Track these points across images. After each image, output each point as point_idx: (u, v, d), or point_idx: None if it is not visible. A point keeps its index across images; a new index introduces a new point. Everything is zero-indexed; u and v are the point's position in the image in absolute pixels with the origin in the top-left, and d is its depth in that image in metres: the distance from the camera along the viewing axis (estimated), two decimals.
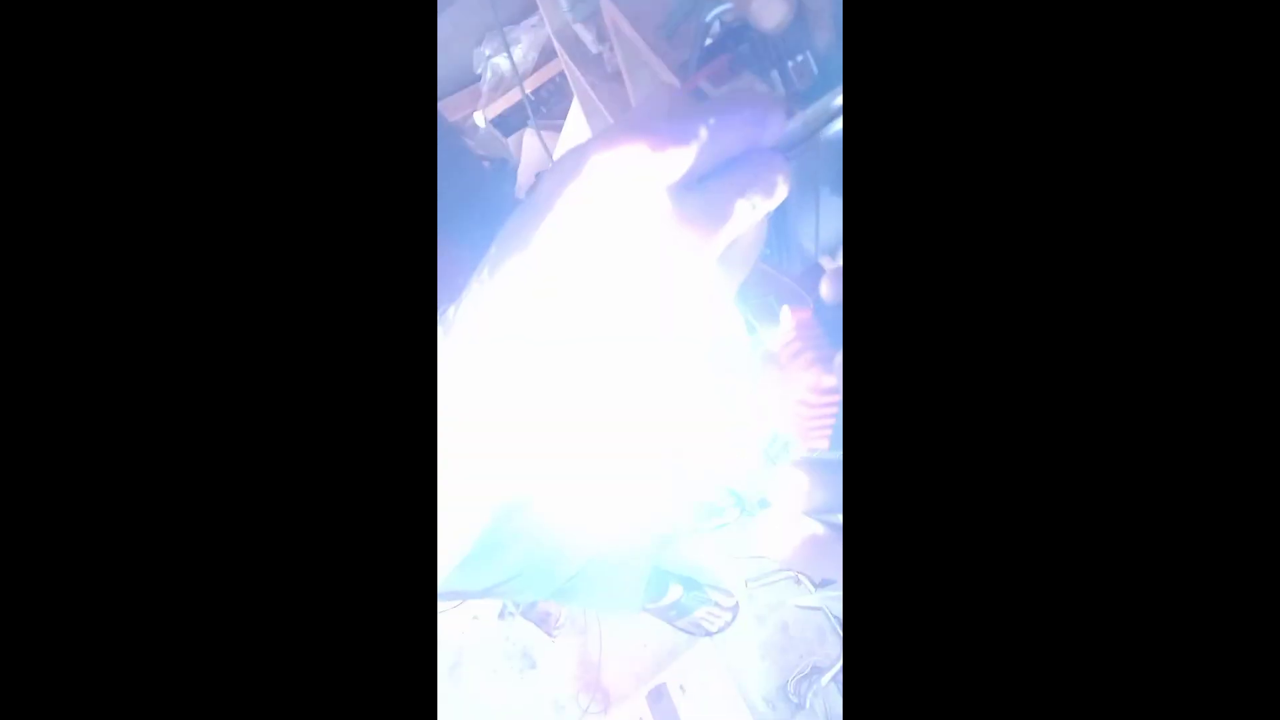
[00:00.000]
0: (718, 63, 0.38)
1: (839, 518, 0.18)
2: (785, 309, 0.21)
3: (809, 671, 1.08)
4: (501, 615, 1.30)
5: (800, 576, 1.15)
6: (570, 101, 1.25)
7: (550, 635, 1.25)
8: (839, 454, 0.18)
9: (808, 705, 1.05)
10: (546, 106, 1.54)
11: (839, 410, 0.19)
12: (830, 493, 0.18)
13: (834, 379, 0.18)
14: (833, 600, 1.09)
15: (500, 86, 1.62)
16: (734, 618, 1.20)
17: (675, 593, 1.18)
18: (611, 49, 0.83)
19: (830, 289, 0.20)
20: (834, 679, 1.05)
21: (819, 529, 0.17)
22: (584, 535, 0.61)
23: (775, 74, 0.35)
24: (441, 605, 1.25)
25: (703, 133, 0.18)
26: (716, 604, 1.20)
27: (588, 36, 0.86)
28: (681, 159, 0.18)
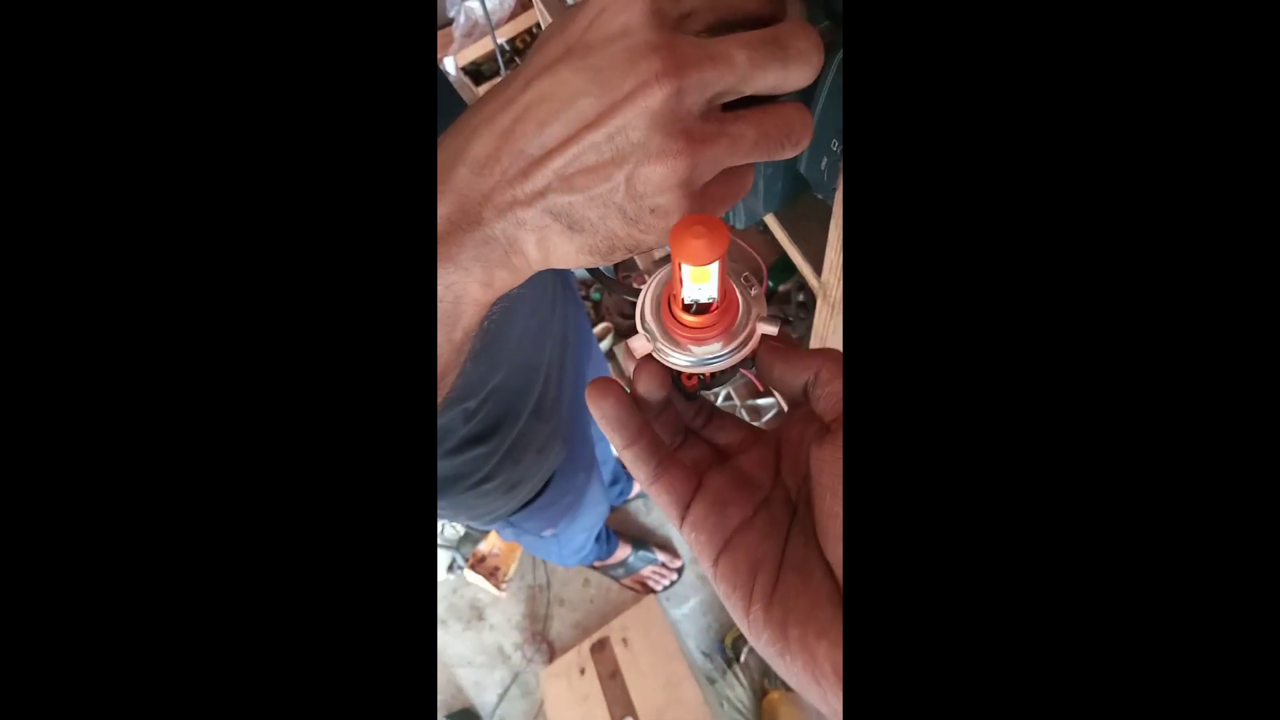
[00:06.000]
0: None
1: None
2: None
3: None
4: (451, 569, 1.31)
5: None
6: None
7: (498, 589, 1.27)
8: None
9: (743, 659, 1.11)
10: (520, 58, 1.50)
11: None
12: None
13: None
14: None
15: (474, 33, 1.56)
16: (679, 577, 1.24)
17: (624, 552, 1.22)
18: None
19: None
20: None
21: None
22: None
23: None
24: None
25: None
26: (663, 564, 1.24)
27: None
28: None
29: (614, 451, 1.23)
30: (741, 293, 0.22)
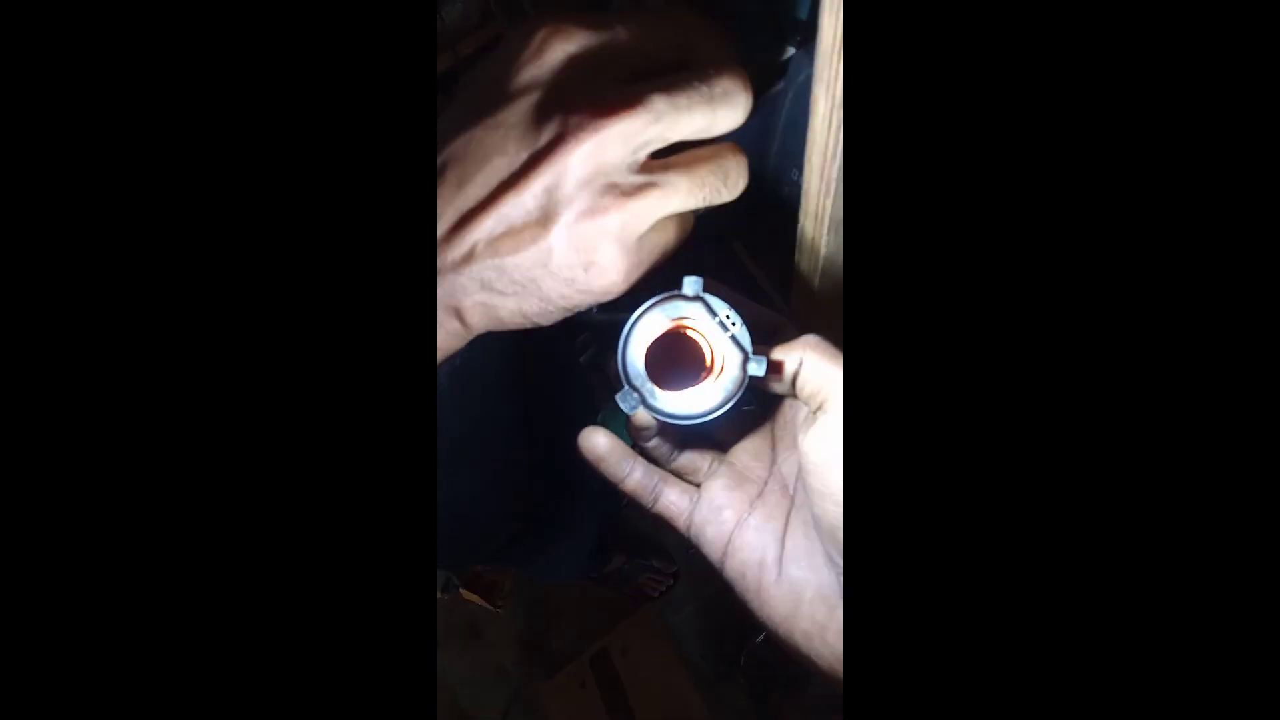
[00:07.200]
0: None
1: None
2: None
3: (745, 631, 1.14)
4: (445, 589, 1.30)
5: None
6: None
7: (495, 606, 1.26)
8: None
9: (742, 662, 1.11)
10: None
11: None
12: None
13: None
14: None
15: (442, 44, 1.54)
16: (675, 583, 1.24)
17: (618, 561, 1.21)
18: None
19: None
20: (766, 637, 1.11)
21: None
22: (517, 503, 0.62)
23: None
24: None
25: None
26: (659, 570, 1.24)
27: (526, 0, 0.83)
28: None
29: None
30: (726, 343, 0.22)
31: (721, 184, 0.22)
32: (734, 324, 0.22)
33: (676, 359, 0.23)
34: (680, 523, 0.27)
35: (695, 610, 1.22)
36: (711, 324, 0.22)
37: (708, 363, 0.23)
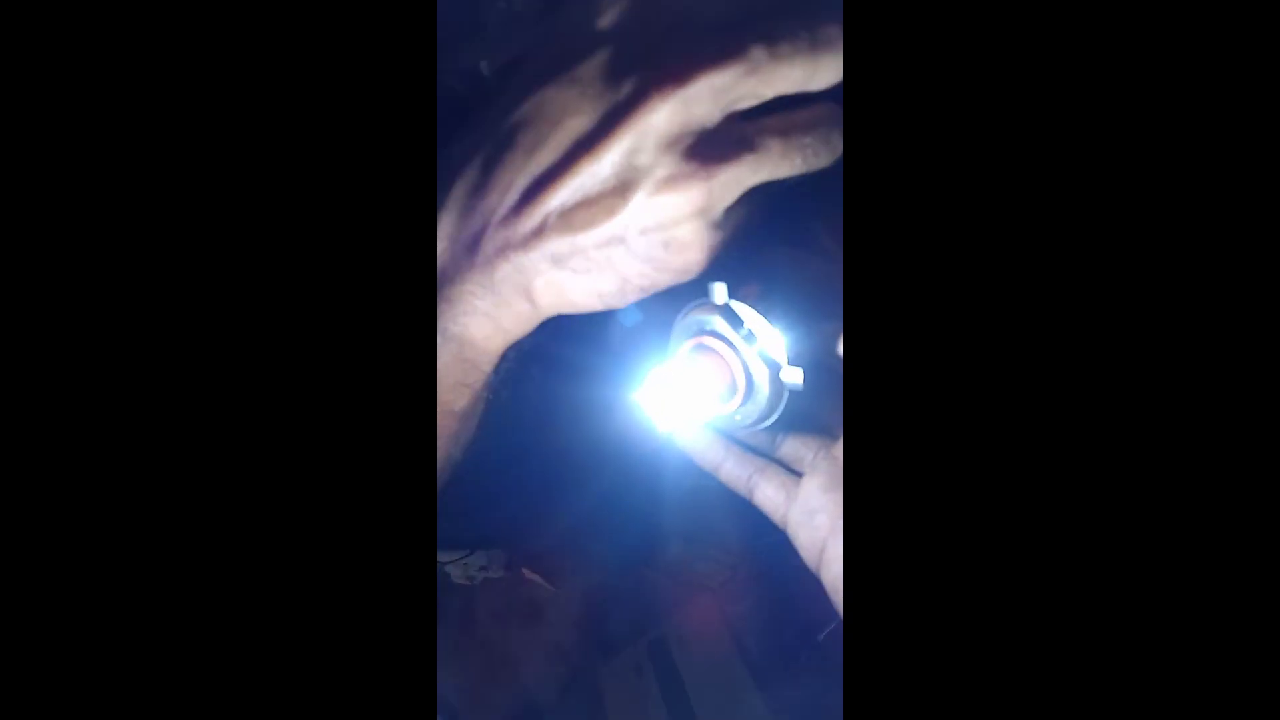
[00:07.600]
0: None
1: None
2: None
3: (806, 627, 1.11)
4: (509, 566, 1.34)
5: None
6: None
7: (553, 587, 1.28)
8: None
9: (802, 660, 1.09)
10: None
11: None
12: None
13: None
14: None
15: (509, 33, 1.57)
16: (734, 574, 1.22)
17: (677, 550, 1.21)
18: None
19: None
20: (829, 635, 1.08)
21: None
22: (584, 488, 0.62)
23: None
24: (445, 556, 1.30)
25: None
26: (717, 560, 1.22)
27: None
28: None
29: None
30: (760, 364, 0.21)
31: (822, 146, 0.19)
32: (762, 332, 0.20)
33: (708, 374, 0.22)
34: (777, 520, 0.25)
35: (755, 604, 1.20)
36: (737, 336, 0.20)
37: (735, 378, 0.21)
